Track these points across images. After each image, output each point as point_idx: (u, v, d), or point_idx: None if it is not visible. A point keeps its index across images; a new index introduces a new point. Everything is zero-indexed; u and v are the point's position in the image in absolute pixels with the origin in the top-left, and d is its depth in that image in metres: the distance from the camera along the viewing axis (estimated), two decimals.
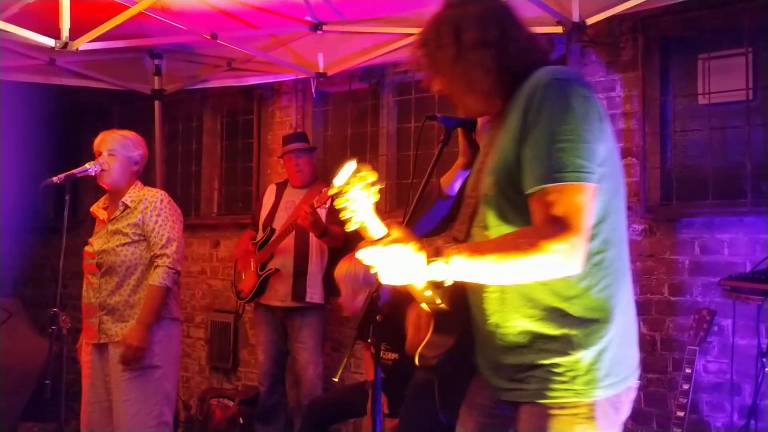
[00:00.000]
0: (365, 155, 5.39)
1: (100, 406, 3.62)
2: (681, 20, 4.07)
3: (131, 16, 3.73)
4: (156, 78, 5.19)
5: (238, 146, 6.23)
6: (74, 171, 3.43)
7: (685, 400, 3.50)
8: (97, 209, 3.72)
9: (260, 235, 4.85)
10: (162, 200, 3.61)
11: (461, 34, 1.85)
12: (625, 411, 1.89)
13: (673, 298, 4.01)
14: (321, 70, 5.03)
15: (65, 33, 3.75)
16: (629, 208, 4.13)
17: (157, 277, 3.52)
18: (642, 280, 4.09)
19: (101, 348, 3.59)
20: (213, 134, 6.43)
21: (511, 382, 1.88)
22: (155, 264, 3.54)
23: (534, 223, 1.73)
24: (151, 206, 3.57)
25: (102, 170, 3.53)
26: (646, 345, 4.05)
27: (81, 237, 3.74)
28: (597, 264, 1.79)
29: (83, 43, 3.88)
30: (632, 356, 1.91)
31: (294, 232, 4.62)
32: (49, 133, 6.42)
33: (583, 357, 1.79)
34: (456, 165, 2.30)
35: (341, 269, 3.61)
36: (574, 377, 1.79)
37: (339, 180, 1.64)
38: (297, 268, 4.67)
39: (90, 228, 3.80)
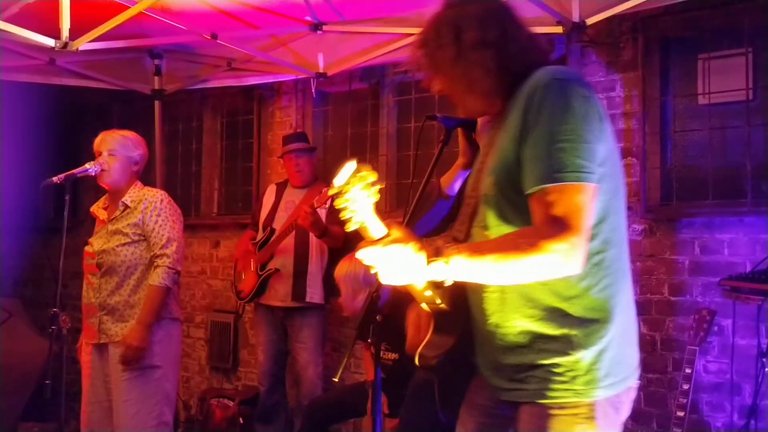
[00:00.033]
0: (365, 155, 5.39)
1: (100, 406, 3.62)
2: (681, 20, 4.07)
3: (131, 16, 3.73)
4: (156, 78, 5.19)
5: (238, 146, 6.23)
6: (74, 171, 3.43)
7: (685, 400, 3.50)
8: (97, 209, 3.72)
9: (260, 235, 4.85)
10: (162, 200, 3.61)
11: (461, 34, 1.85)
12: (625, 411, 1.89)
13: (673, 298, 4.01)
14: (321, 70, 5.03)
15: (65, 33, 3.75)
16: (629, 208, 4.13)
17: (157, 277, 3.52)
18: (642, 280, 4.09)
19: (101, 348, 3.59)
20: (213, 134, 6.43)
21: (511, 382, 1.88)
22: (155, 264, 3.54)
23: (534, 223, 1.73)
24: (151, 206, 3.57)
25: (102, 170, 3.53)
26: (646, 345, 4.05)
27: (81, 237, 3.74)
28: (597, 264, 1.79)
29: (83, 43, 3.88)
30: (632, 356, 1.91)
31: (294, 232, 4.62)
32: (49, 133, 6.42)
33: (583, 357, 1.79)
34: (456, 165, 2.30)
35: (341, 269, 3.61)
36: (574, 377, 1.79)
37: (339, 180, 1.64)
38: (297, 268, 4.67)
39: (90, 228, 3.80)
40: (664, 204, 4.11)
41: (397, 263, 1.74)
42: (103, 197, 3.75)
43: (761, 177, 3.85)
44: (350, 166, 1.64)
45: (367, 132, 5.41)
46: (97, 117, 6.85)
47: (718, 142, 4.05)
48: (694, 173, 4.09)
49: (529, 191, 1.73)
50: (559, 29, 4.04)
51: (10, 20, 3.79)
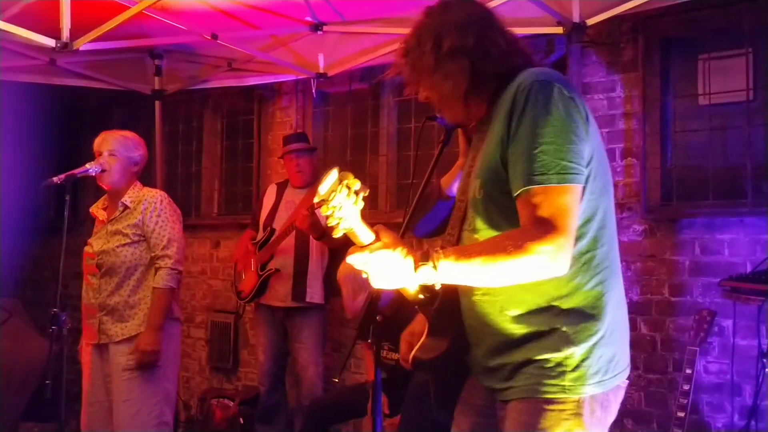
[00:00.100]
0: (365, 155, 5.39)
1: (100, 407, 3.62)
2: (681, 21, 4.07)
3: (131, 16, 3.73)
4: (156, 78, 5.20)
5: (239, 146, 6.24)
6: (75, 171, 3.43)
7: (685, 401, 3.50)
8: (97, 210, 3.72)
9: (260, 235, 4.85)
10: (162, 201, 3.62)
11: (441, 42, 1.88)
12: (613, 410, 1.90)
13: (673, 299, 4.01)
14: (321, 71, 5.03)
15: (65, 33, 3.75)
16: (629, 209, 4.14)
17: (161, 280, 3.53)
18: (642, 281, 4.09)
19: (101, 348, 3.60)
20: (213, 134, 6.43)
21: (503, 381, 1.90)
22: (157, 266, 3.55)
23: (521, 225, 1.75)
24: (150, 207, 3.57)
25: (103, 170, 3.53)
26: (646, 345, 4.05)
27: (81, 237, 3.74)
28: (586, 263, 1.81)
29: (83, 44, 3.88)
30: (623, 355, 1.90)
31: (294, 232, 4.62)
32: (49, 134, 6.42)
33: (573, 353, 1.80)
34: (456, 166, 2.30)
35: (343, 270, 3.61)
36: (563, 373, 1.80)
37: (323, 188, 1.65)
38: (297, 268, 4.67)
39: (90, 228, 3.80)
40: (664, 204, 4.11)
41: (386, 268, 1.74)
42: (103, 198, 3.75)
43: (762, 177, 3.85)
44: (333, 174, 1.65)
45: (368, 132, 5.42)
46: (98, 117, 6.85)
47: (718, 142, 4.05)
48: (695, 173, 4.09)
49: (516, 193, 1.74)
50: (559, 30, 4.05)
51: (11, 20, 3.79)
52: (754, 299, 3.67)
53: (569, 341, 1.80)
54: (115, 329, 3.54)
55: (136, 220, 3.55)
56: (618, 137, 4.20)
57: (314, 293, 4.66)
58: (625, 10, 3.86)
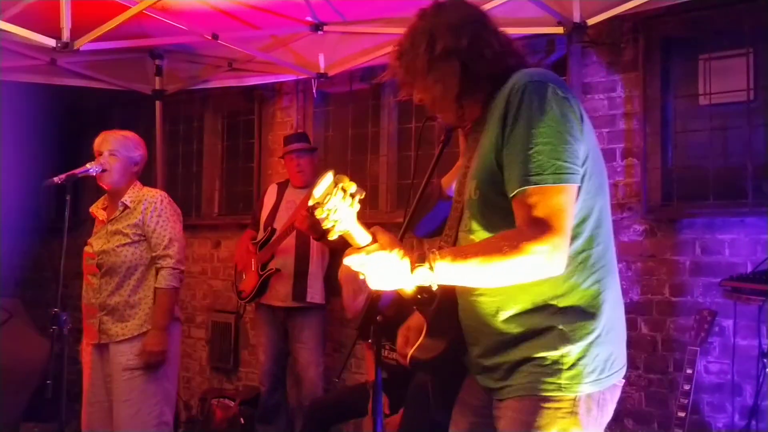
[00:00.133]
0: (366, 155, 5.39)
1: (100, 407, 3.62)
2: (682, 21, 4.07)
3: (132, 16, 3.73)
4: (157, 78, 5.20)
5: (239, 146, 6.24)
6: (75, 171, 3.43)
7: (686, 401, 3.50)
8: (96, 210, 3.72)
9: (261, 235, 4.85)
10: (162, 200, 3.62)
11: (435, 44, 1.89)
12: (610, 409, 1.90)
13: (674, 299, 4.01)
14: (322, 71, 5.03)
15: (66, 33, 3.75)
16: (630, 209, 4.14)
17: (163, 280, 3.54)
18: (643, 281, 4.09)
19: (101, 348, 3.60)
20: (214, 134, 6.43)
21: (499, 380, 1.90)
22: (158, 266, 3.55)
23: (517, 225, 1.75)
24: (151, 207, 3.57)
25: (103, 170, 3.53)
26: (647, 345, 4.05)
27: (82, 237, 3.74)
28: (582, 262, 1.82)
29: (84, 44, 3.88)
30: (619, 354, 1.91)
31: (295, 232, 4.62)
32: (50, 134, 6.42)
33: (570, 351, 1.81)
34: (456, 166, 2.30)
35: (344, 270, 3.61)
36: (559, 371, 1.81)
37: (317, 191, 1.65)
38: (298, 268, 4.67)
39: (91, 228, 3.80)
40: (664, 204, 4.11)
41: (383, 270, 1.75)
42: (102, 197, 3.75)
43: (762, 177, 3.85)
44: (328, 177, 1.65)
45: (368, 132, 5.42)
46: (98, 117, 6.86)
47: (719, 142, 4.05)
48: (695, 174, 4.09)
49: (512, 194, 1.75)
50: (560, 30, 4.05)
51: (11, 20, 3.80)
52: (754, 299, 3.67)
53: (566, 339, 1.81)
54: (115, 329, 3.54)
55: (137, 220, 3.55)
56: (618, 137, 4.20)
57: (315, 293, 4.66)
58: (626, 10, 3.86)
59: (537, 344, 1.82)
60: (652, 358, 4.03)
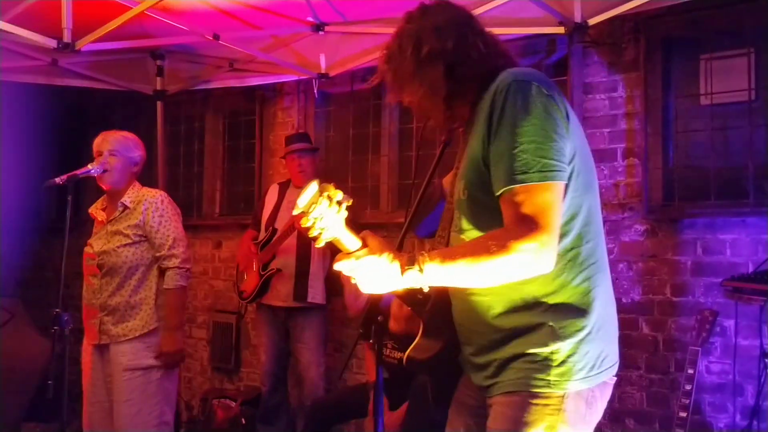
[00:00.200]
0: (367, 156, 5.39)
1: (101, 407, 3.62)
2: (683, 21, 4.07)
3: (133, 16, 3.74)
4: (158, 79, 5.20)
5: (240, 147, 6.24)
6: (77, 172, 3.42)
7: (687, 401, 3.50)
8: (96, 210, 3.72)
9: (262, 235, 4.85)
10: (162, 200, 3.62)
11: (421, 46, 1.90)
12: (599, 407, 1.91)
13: (675, 299, 4.01)
14: (323, 71, 5.03)
15: (67, 34, 3.75)
16: (631, 209, 4.14)
17: (171, 281, 3.55)
18: (644, 281, 4.09)
19: (102, 349, 3.60)
20: (215, 135, 6.43)
21: (490, 377, 1.91)
22: (164, 266, 3.55)
23: (505, 224, 1.75)
24: (152, 207, 3.57)
25: (105, 171, 3.53)
26: (648, 345, 4.04)
27: (83, 238, 3.74)
28: (572, 260, 1.83)
29: (85, 44, 3.88)
30: (610, 352, 1.91)
31: (296, 233, 4.62)
32: (51, 134, 6.43)
33: (560, 348, 1.81)
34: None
35: None
36: (548, 367, 1.81)
37: (302, 201, 1.66)
38: (299, 268, 4.67)
39: (92, 228, 3.80)
40: (666, 204, 4.11)
41: (373, 273, 1.76)
42: (101, 198, 3.74)
43: (763, 177, 3.85)
44: (313, 186, 1.66)
45: (369, 132, 5.41)
46: (99, 118, 6.86)
47: (720, 142, 4.05)
48: (696, 174, 4.09)
49: (498, 193, 1.75)
50: (561, 30, 4.05)
51: (13, 21, 3.80)
52: (756, 299, 3.67)
53: (556, 336, 1.81)
54: (116, 330, 3.54)
55: (137, 221, 3.55)
56: (620, 137, 4.20)
57: (316, 293, 4.66)
58: (627, 10, 3.86)
59: (527, 341, 1.83)
60: (653, 358, 4.03)
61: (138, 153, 3.68)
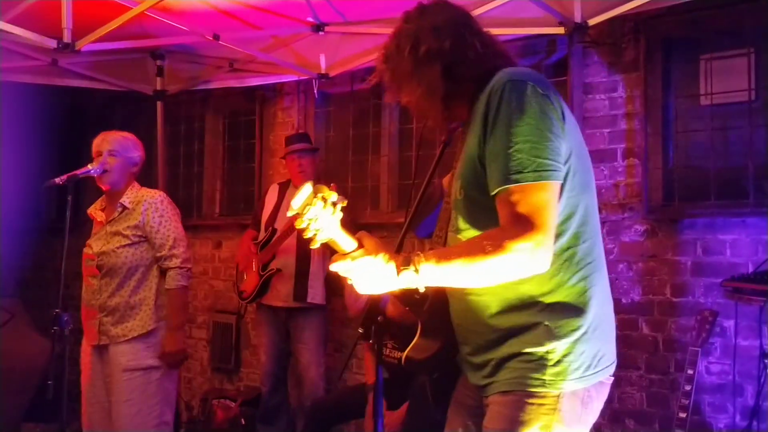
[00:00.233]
0: (367, 156, 5.39)
1: (100, 407, 3.61)
2: (683, 21, 4.07)
3: (133, 16, 3.74)
4: (158, 79, 5.20)
5: (240, 147, 6.24)
6: (77, 172, 3.42)
7: (687, 401, 3.50)
8: (95, 211, 3.71)
9: (262, 235, 4.85)
10: (162, 201, 3.62)
11: (418, 46, 1.91)
12: (596, 407, 1.90)
13: (675, 299, 4.00)
14: (323, 71, 5.03)
15: (67, 34, 3.75)
16: (631, 209, 4.13)
17: (173, 280, 3.55)
18: (644, 281, 4.09)
19: (101, 349, 3.59)
20: (215, 135, 6.43)
21: (487, 377, 1.92)
22: (165, 266, 3.55)
23: (500, 224, 1.76)
24: (152, 208, 3.56)
25: (105, 171, 3.53)
26: (648, 346, 4.04)
27: (83, 238, 3.73)
28: (568, 259, 1.83)
29: (85, 44, 3.88)
30: (607, 351, 1.91)
31: (296, 233, 4.62)
32: (51, 134, 6.43)
33: (555, 348, 1.81)
34: None
35: None
36: (544, 366, 1.82)
37: (296, 203, 1.66)
38: (299, 268, 4.67)
39: (91, 229, 3.80)
40: (666, 205, 4.11)
41: (369, 274, 1.76)
42: (100, 199, 3.74)
43: (763, 177, 3.85)
44: (307, 188, 1.66)
45: (369, 133, 5.41)
46: (99, 118, 6.86)
47: (720, 142, 4.05)
48: (696, 174, 4.08)
49: (494, 192, 1.76)
50: (561, 30, 4.05)
51: (13, 21, 3.80)
52: (755, 300, 3.67)
53: (552, 335, 1.82)
54: (115, 330, 3.53)
55: (137, 222, 3.54)
56: (619, 137, 4.20)
57: (316, 294, 4.66)
58: (627, 11, 3.86)
59: (523, 340, 1.83)
60: (653, 359, 4.03)
61: (137, 153, 3.68)
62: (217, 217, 6.36)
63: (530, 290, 1.82)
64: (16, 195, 5.48)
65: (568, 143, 1.79)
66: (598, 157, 4.21)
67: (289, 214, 1.69)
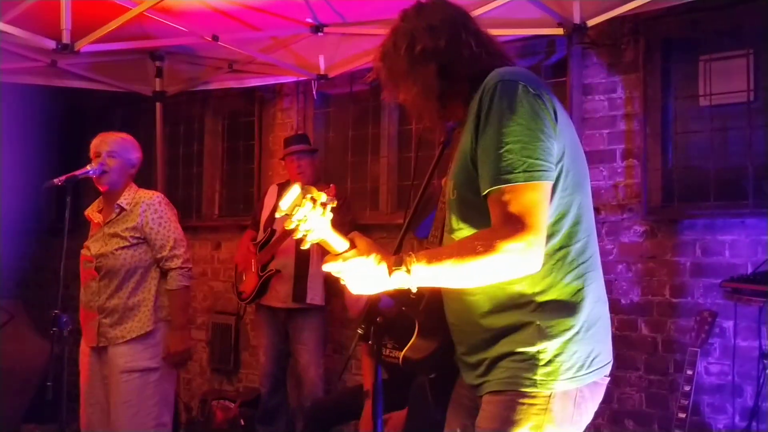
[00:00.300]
0: (366, 157, 5.39)
1: (99, 408, 3.61)
2: (682, 21, 4.07)
3: (132, 17, 3.74)
4: (157, 80, 5.19)
5: (240, 148, 6.24)
6: (76, 173, 3.42)
7: (686, 402, 3.50)
8: (92, 212, 3.71)
9: (261, 236, 4.85)
10: (160, 202, 3.61)
11: (414, 45, 1.91)
12: (590, 407, 1.90)
13: (674, 300, 4.01)
14: (322, 72, 5.04)
15: (66, 35, 3.75)
16: (630, 210, 4.14)
17: (174, 281, 3.56)
18: (643, 282, 4.09)
19: (99, 350, 3.59)
20: (214, 136, 6.43)
21: (480, 376, 1.92)
22: (167, 267, 3.55)
23: (492, 224, 1.75)
24: (150, 209, 3.56)
25: (104, 172, 3.53)
26: (647, 346, 4.04)
27: (82, 239, 3.73)
28: (561, 259, 1.83)
29: (84, 45, 3.88)
30: (602, 351, 1.90)
31: None
32: (50, 135, 6.43)
33: (547, 347, 1.81)
34: None
35: None
36: (535, 366, 1.81)
37: (284, 204, 1.66)
38: (298, 269, 4.67)
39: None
40: (665, 205, 4.11)
41: (360, 275, 1.77)
42: (97, 200, 3.74)
43: (762, 178, 3.85)
44: (295, 189, 1.66)
45: (368, 134, 5.41)
46: (99, 119, 6.85)
47: (719, 143, 4.05)
48: (696, 175, 4.09)
49: (484, 193, 1.76)
50: (560, 31, 4.05)
51: (12, 22, 3.80)
52: (755, 300, 3.67)
53: (543, 335, 1.81)
54: (114, 332, 3.53)
55: (135, 223, 3.54)
56: (619, 138, 4.20)
57: (315, 295, 4.66)
58: (626, 11, 3.86)
59: (515, 340, 1.83)
60: (652, 359, 4.03)
61: (135, 155, 3.68)
62: (217, 218, 6.36)
63: (523, 290, 1.82)
64: (16, 196, 5.48)
65: (561, 143, 1.79)
66: (598, 157, 4.21)
67: (278, 215, 1.69)
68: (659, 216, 4.08)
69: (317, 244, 1.76)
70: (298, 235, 1.70)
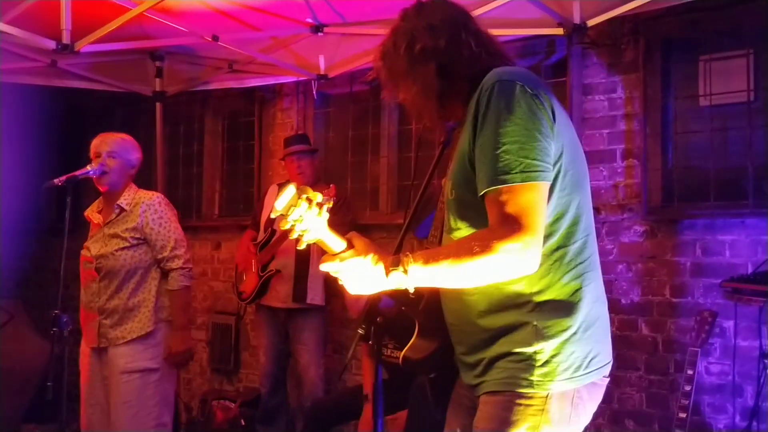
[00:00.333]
0: (366, 157, 5.39)
1: (99, 409, 3.61)
2: (682, 21, 4.07)
3: (132, 17, 3.73)
4: (157, 80, 5.19)
5: (240, 148, 6.24)
6: (76, 173, 3.42)
7: (686, 402, 3.50)
8: (92, 213, 3.71)
9: (261, 236, 4.85)
10: (160, 202, 3.61)
11: (414, 44, 1.91)
12: (588, 408, 1.89)
13: (674, 300, 4.01)
14: (322, 72, 5.04)
15: (66, 35, 3.75)
16: (630, 210, 4.14)
17: (176, 282, 3.56)
18: (643, 282, 4.09)
19: (99, 351, 3.59)
20: (214, 136, 6.43)
21: (478, 376, 1.91)
22: (168, 267, 3.55)
23: (489, 225, 1.75)
24: (150, 210, 3.56)
25: (104, 172, 3.52)
26: (647, 346, 4.04)
27: (82, 239, 3.73)
28: (558, 259, 1.82)
29: (84, 45, 3.88)
30: (600, 351, 1.89)
31: None
32: (50, 136, 6.43)
33: (544, 348, 1.81)
34: None
35: None
36: (531, 367, 1.81)
37: (279, 204, 1.66)
38: (298, 269, 4.67)
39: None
40: (665, 205, 4.11)
41: (358, 275, 1.77)
42: (97, 201, 3.74)
43: (762, 178, 3.85)
44: (290, 189, 1.66)
45: (368, 134, 5.41)
46: (99, 119, 6.85)
47: (719, 143, 4.05)
48: (696, 174, 4.09)
49: (482, 193, 1.76)
50: (560, 31, 4.05)
51: (12, 22, 3.80)
52: (755, 300, 3.67)
53: (540, 336, 1.81)
54: (114, 333, 3.53)
55: (135, 224, 3.54)
56: (619, 138, 4.20)
57: (315, 295, 4.66)
58: (626, 11, 3.86)
59: (512, 340, 1.83)
60: (652, 359, 4.03)
61: (135, 156, 3.68)
62: (217, 218, 6.36)
63: (520, 290, 1.82)
64: (16, 196, 5.48)
65: (559, 143, 1.78)
66: (598, 157, 4.21)
67: (273, 215, 1.70)
68: (659, 216, 4.08)
69: (317, 244, 1.76)
70: (294, 236, 1.70)
